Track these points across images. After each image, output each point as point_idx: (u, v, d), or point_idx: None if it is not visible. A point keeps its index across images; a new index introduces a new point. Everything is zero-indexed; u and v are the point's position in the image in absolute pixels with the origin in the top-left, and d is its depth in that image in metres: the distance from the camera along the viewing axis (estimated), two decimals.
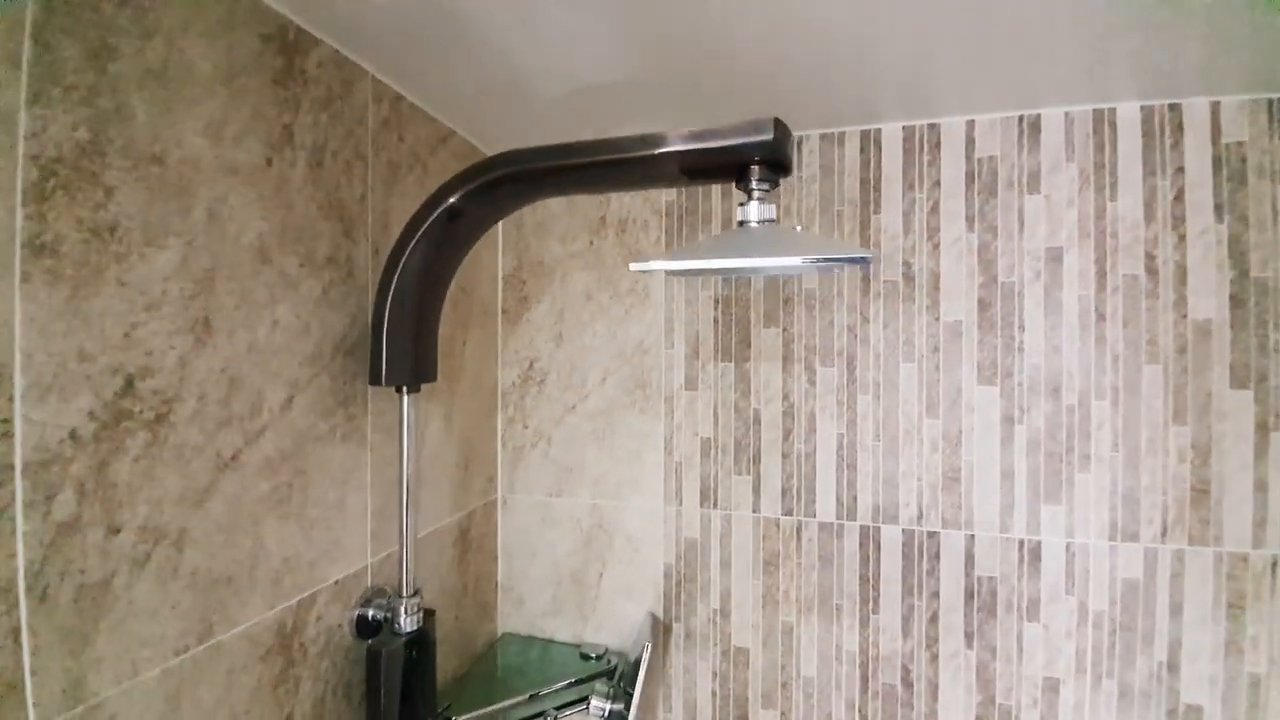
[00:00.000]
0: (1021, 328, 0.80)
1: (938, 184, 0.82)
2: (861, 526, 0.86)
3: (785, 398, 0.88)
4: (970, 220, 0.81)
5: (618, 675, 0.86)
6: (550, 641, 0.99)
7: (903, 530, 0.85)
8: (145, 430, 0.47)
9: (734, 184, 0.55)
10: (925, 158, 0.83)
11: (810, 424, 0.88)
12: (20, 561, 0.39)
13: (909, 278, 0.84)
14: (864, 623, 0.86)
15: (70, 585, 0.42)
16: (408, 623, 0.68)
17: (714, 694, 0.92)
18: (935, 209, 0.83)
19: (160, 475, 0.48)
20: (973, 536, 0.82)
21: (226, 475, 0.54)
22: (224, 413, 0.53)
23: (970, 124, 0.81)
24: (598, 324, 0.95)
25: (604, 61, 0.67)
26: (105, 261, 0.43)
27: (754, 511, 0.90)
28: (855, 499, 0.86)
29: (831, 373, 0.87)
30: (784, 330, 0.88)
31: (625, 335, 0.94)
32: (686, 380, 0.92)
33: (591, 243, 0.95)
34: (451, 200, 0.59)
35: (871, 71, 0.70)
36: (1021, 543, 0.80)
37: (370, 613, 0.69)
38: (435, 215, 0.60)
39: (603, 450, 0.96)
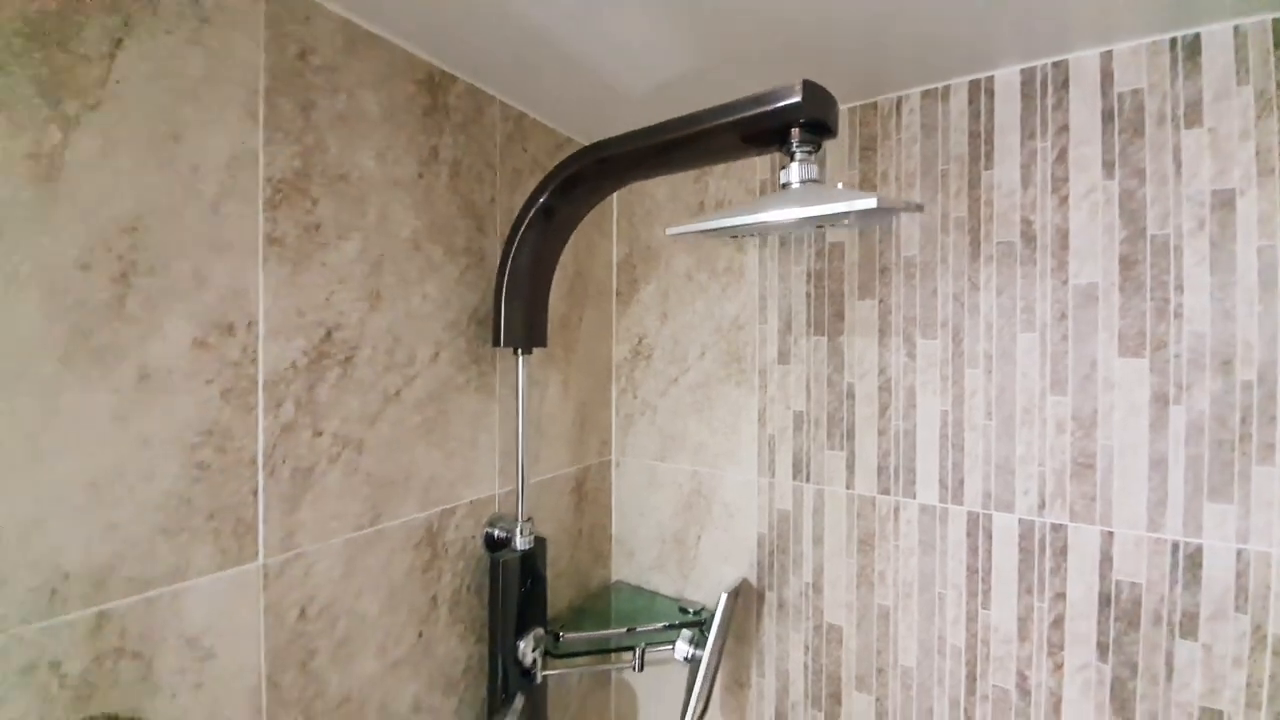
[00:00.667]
0: (1179, 288, 0.67)
1: (1065, 128, 0.72)
2: (969, 512, 0.80)
3: (882, 372, 0.85)
4: (1109, 166, 0.70)
5: (705, 628, 0.92)
6: (656, 593, 1.08)
7: (1019, 520, 0.76)
8: (338, 367, 0.67)
9: (777, 149, 0.59)
10: (1049, 101, 0.73)
11: (910, 399, 0.83)
12: (260, 445, 0.60)
13: (1028, 237, 0.75)
14: (971, 617, 0.80)
15: (289, 466, 0.63)
16: (522, 542, 0.83)
17: (806, 667, 0.93)
18: (1062, 157, 0.73)
19: (347, 399, 0.68)
20: (1110, 534, 0.71)
21: (391, 405, 0.73)
22: (389, 360, 0.73)
23: (1106, 55, 0.70)
24: (697, 302, 1.02)
25: (676, 53, 0.74)
26: (312, 249, 0.64)
27: (848, 488, 0.88)
28: (962, 482, 0.80)
29: (934, 345, 0.81)
30: (880, 301, 0.85)
31: (722, 312, 0.99)
32: (779, 354, 0.94)
33: None
34: (541, 200, 0.72)
35: (982, 7, 0.63)
36: (1176, 545, 0.67)
37: (495, 531, 0.86)
38: (532, 212, 0.74)
39: (701, 421, 1.02)
